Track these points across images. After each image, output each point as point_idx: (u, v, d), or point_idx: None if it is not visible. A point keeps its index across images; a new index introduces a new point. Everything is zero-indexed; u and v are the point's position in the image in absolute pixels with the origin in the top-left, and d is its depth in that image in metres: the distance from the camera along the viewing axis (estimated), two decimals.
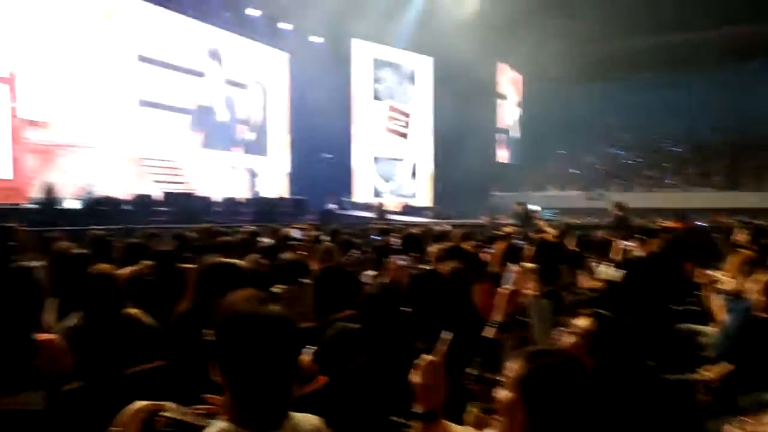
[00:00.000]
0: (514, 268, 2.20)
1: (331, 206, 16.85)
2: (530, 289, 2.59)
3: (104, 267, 2.77)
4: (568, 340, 1.88)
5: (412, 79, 22.48)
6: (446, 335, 1.39)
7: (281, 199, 16.56)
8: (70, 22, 13.07)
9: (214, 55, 17.40)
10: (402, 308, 2.68)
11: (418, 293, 2.80)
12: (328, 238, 6.15)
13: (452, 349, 1.94)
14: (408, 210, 18.91)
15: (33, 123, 12.02)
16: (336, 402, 2.12)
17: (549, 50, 21.92)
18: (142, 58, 15.01)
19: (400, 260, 3.23)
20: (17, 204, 10.45)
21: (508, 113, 28.30)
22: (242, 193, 16.55)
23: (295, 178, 19.70)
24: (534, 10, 19.36)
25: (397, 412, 1.41)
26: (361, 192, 20.67)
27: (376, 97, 21.46)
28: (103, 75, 13.84)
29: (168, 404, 1.22)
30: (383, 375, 2.40)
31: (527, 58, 23.70)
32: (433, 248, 3.95)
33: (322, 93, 18.56)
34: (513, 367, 1.29)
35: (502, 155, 27.75)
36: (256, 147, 18.88)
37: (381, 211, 14.26)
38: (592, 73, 26.21)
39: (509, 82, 27.80)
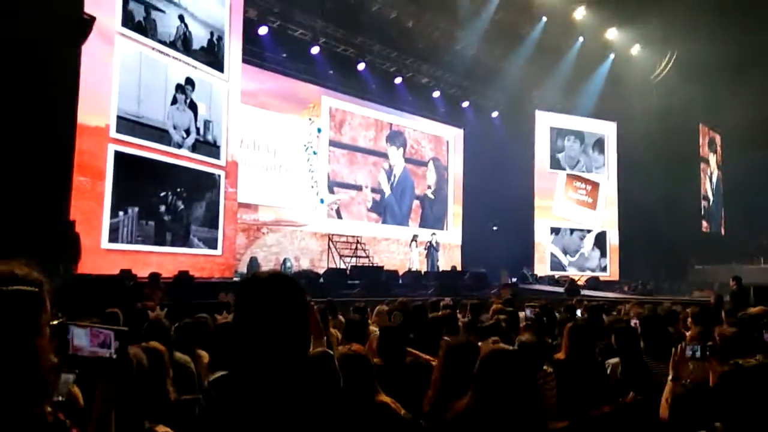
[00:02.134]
0: None
1: (513, 280, 16.10)
2: None
3: (358, 347, 2.57)
4: None
5: (594, 146, 21.34)
6: None
7: (461, 272, 16.29)
8: (279, 118, 14.80)
9: (396, 136, 18.32)
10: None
11: (740, 395, 2.15)
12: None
13: None
14: (594, 284, 17.33)
15: (246, 206, 13.49)
16: None
17: (752, 107, 19.41)
18: (333, 143, 16.33)
19: (689, 349, 2.60)
20: (230, 278, 11.48)
21: (708, 178, 25.43)
22: (418, 266, 16.63)
23: (468, 250, 19.48)
24: (733, 65, 17.45)
25: None
26: (540, 265, 19.60)
27: (558, 167, 20.65)
28: (299, 161, 15.28)
29: None
30: None
31: (726, 117, 21.25)
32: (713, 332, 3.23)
33: (497, 165, 18.41)
34: None
35: (703, 223, 24.74)
36: (432, 221, 19.15)
37: (573, 286, 13.15)
38: None
39: (707, 143, 25.15)
